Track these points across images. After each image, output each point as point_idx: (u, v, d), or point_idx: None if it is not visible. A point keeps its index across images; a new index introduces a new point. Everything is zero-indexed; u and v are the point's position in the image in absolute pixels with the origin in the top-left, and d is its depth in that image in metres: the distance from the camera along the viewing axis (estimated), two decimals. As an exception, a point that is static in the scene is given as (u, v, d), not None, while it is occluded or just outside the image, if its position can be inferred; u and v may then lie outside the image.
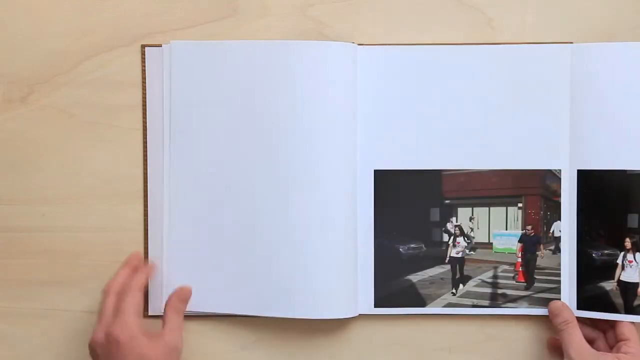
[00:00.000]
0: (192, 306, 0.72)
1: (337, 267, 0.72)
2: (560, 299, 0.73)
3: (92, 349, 0.66)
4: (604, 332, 0.72)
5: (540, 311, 0.73)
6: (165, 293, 0.72)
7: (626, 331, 0.69)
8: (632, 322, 0.70)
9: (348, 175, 0.73)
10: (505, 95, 0.73)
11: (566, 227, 0.73)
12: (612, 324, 0.71)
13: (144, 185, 0.74)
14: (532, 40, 0.73)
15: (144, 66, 0.73)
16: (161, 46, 0.73)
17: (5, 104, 0.75)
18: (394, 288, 0.74)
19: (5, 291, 0.74)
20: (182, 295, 0.71)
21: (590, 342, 0.70)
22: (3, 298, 0.74)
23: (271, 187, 0.71)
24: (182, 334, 0.69)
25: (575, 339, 0.68)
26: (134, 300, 0.67)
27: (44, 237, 0.70)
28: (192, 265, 0.73)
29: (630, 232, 0.72)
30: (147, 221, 0.73)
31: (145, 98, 0.73)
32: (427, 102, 0.74)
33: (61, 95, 0.75)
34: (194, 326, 0.74)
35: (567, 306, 0.71)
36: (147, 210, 0.73)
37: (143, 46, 0.72)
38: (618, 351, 0.68)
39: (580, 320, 0.71)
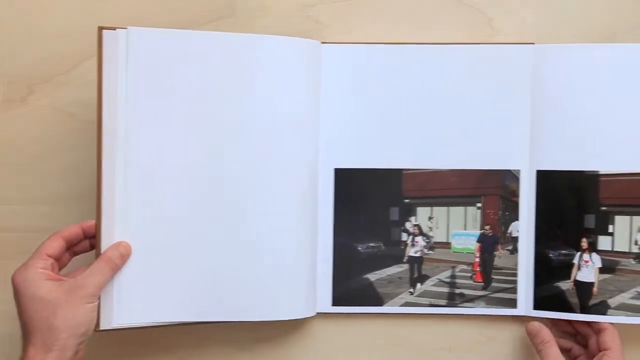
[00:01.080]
0: (147, 316, 0.68)
1: (296, 266, 0.71)
2: (516, 299, 0.73)
3: None
4: (587, 340, 0.72)
5: (497, 311, 0.73)
6: (117, 304, 0.67)
7: (608, 340, 0.68)
8: (613, 331, 0.70)
9: (308, 173, 0.72)
10: (466, 95, 0.73)
11: (524, 228, 0.74)
12: (595, 332, 0.70)
13: (97, 185, 0.67)
14: (533, 41, 0.73)
15: (101, 50, 0.67)
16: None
17: (5, 104, 0.74)
18: (352, 287, 0.74)
19: (5, 292, 0.67)
20: (121, 248, 0.66)
21: (566, 350, 0.71)
22: (3, 300, 0.69)
23: (228, 184, 0.69)
24: (101, 284, 0.64)
25: (552, 358, 0.68)
26: (45, 244, 0.64)
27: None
28: (146, 271, 0.68)
29: (587, 233, 0.73)
30: (100, 222, 0.68)
31: (102, 84, 0.67)
32: (389, 101, 0.73)
33: (61, 95, 0.74)
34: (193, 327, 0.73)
35: (544, 327, 0.71)
36: (100, 207, 0.68)
37: (100, 28, 0.67)
38: (591, 355, 0.69)
39: (559, 332, 0.73)
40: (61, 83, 0.74)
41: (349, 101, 0.73)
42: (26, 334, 0.61)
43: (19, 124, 0.75)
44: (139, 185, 0.68)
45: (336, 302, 0.74)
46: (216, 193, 0.69)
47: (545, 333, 0.70)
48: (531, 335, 0.71)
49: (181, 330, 0.73)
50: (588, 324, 0.71)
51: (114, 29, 0.67)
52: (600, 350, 0.69)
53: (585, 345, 0.72)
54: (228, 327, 0.74)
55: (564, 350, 0.71)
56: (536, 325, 0.71)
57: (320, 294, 0.74)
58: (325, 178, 0.73)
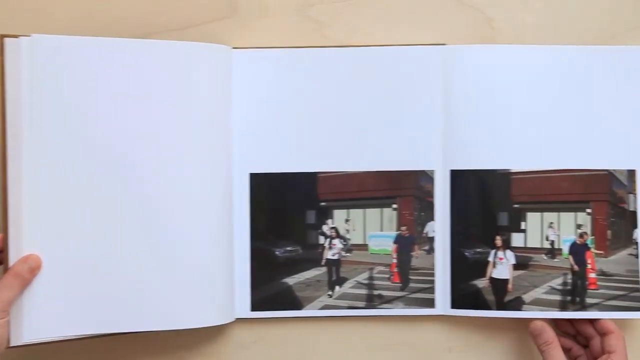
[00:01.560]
0: (59, 330, 0.67)
1: (212, 273, 0.71)
2: (434, 299, 0.74)
3: None
4: (588, 341, 0.72)
5: (416, 311, 0.74)
6: (27, 319, 0.66)
7: (613, 344, 0.68)
8: (619, 334, 0.70)
9: (222, 179, 0.72)
10: (379, 97, 0.73)
11: (440, 227, 0.74)
12: (600, 334, 0.70)
13: (3, 197, 0.66)
14: (533, 41, 0.74)
15: (3, 58, 0.66)
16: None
17: None
18: (270, 291, 0.74)
19: None
20: (30, 262, 0.65)
21: (566, 350, 0.71)
22: None
23: (138, 192, 0.69)
24: (10, 299, 0.63)
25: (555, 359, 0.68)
26: None
27: None
28: (56, 283, 0.67)
29: (501, 230, 0.74)
30: (7, 234, 0.66)
31: (5, 93, 0.66)
32: (303, 104, 0.74)
33: None
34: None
35: (547, 326, 0.70)
36: (7, 220, 0.67)
37: (1, 36, 0.65)
38: (594, 356, 0.69)
39: (559, 331, 0.73)
40: None
41: (263, 106, 0.73)
42: None
43: None
44: (47, 195, 0.67)
45: (255, 307, 0.74)
46: (127, 201, 0.68)
47: (549, 334, 0.70)
48: (533, 335, 0.71)
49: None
50: (592, 325, 0.71)
51: (17, 36, 0.66)
52: (604, 352, 0.68)
53: (585, 346, 0.72)
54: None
55: (564, 350, 0.70)
56: (539, 324, 0.70)
57: (238, 299, 0.73)
58: (241, 183, 0.73)
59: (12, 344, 0.65)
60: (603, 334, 0.70)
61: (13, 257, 0.66)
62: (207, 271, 0.71)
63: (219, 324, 0.72)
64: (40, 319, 0.66)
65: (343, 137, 0.74)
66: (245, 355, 0.75)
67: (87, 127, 0.68)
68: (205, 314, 0.71)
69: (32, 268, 0.65)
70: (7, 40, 0.66)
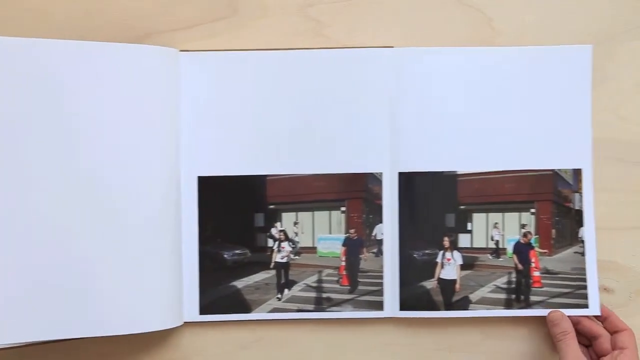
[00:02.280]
0: (6, 337, 0.66)
1: (160, 276, 0.71)
2: (383, 301, 0.74)
3: None
4: (594, 340, 0.71)
5: (364, 314, 0.74)
6: None
7: (626, 340, 0.69)
8: (631, 333, 0.70)
9: (169, 182, 0.72)
10: (327, 100, 0.74)
11: (388, 229, 0.75)
12: (611, 332, 0.71)
13: None
14: (533, 41, 0.74)
15: None
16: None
17: None
18: (219, 295, 0.74)
19: None
20: None
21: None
22: None
23: (81, 195, 0.68)
24: None
25: (571, 351, 0.68)
26: None
27: None
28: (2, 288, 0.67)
29: (448, 231, 0.74)
30: None
31: None
32: (250, 108, 0.74)
33: None
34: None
35: (565, 317, 0.71)
36: None
37: None
38: (614, 358, 0.68)
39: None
40: None
41: (211, 109, 0.74)
42: None
43: None
44: None
45: (204, 310, 0.73)
46: (68, 204, 0.68)
47: (567, 324, 0.70)
48: (551, 324, 0.71)
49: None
50: (601, 323, 0.72)
51: None
52: (615, 349, 0.69)
53: (587, 345, 0.72)
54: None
55: None
56: (558, 314, 0.71)
57: (187, 303, 0.73)
58: (189, 186, 0.73)
59: None
60: (614, 332, 0.70)
61: None
62: (154, 274, 0.70)
63: (166, 328, 0.71)
64: None
65: (291, 139, 0.74)
66: (194, 359, 0.74)
67: (31, 129, 0.67)
68: (153, 318, 0.70)
69: None
70: None
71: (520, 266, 0.74)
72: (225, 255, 0.74)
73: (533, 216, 0.74)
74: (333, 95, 0.74)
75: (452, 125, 0.74)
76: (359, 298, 0.74)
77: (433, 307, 0.74)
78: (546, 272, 0.74)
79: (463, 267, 0.74)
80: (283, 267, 0.75)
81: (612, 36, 0.75)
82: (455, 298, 0.74)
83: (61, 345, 0.71)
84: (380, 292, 0.74)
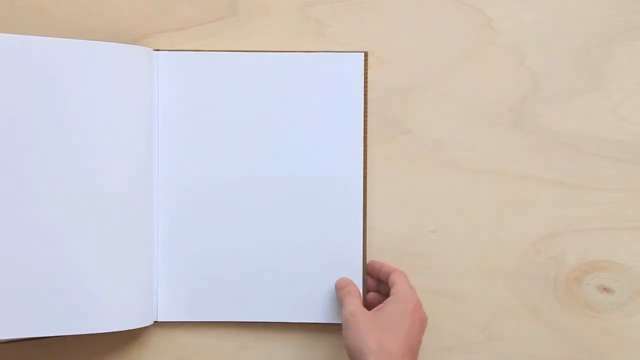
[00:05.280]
0: None
1: (129, 273, 0.70)
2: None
3: None
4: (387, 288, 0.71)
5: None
6: None
7: (393, 277, 0.69)
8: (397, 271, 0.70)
9: (142, 181, 0.71)
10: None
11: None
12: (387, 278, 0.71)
13: None
14: (532, 41, 0.74)
15: None
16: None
17: None
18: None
19: None
20: None
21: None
22: None
23: (51, 190, 0.67)
24: None
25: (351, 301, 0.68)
26: None
27: None
28: None
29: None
30: None
31: None
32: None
33: None
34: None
35: (350, 280, 0.72)
36: None
37: None
38: (388, 296, 0.69)
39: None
40: None
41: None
42: None
43: None
44: None
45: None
46: (40, 196, 0.67)
47: (352, 286, 0.71)
48: (337, 289, 0.71)
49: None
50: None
51: None
52: (390, 287, 0.69)
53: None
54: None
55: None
56: (342, 280, 0.72)
57: (158, 301, 0.73)
58: (162, 184, 0.73)
59: None
60: (387, 277, 0.71)
61: None
62: (123, 271, 0.70)
63: (137, 327, 0.71)
64: None
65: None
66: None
67: (9, 129, 0.67)
68: (122, 317, 0.70)
69: None
70: None
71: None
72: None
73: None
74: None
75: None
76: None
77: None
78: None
79: (463, 267, 0.74)
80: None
81: (612, 36, 0.75)
82: (456, 298, 0.74)
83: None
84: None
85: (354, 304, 0.68)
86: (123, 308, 0.70)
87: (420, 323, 0.66)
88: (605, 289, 0.74)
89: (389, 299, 0.68)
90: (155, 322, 0.73)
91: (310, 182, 0.73)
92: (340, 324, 0.68)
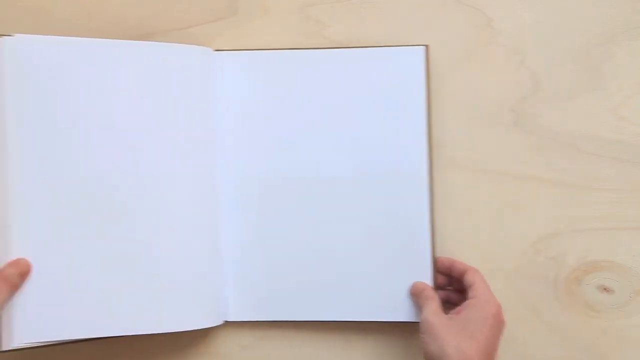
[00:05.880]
0: (50, 335, 0.66)
1: (200, 274, 0.70)
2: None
3: None
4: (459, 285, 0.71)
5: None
6: (18, 322, 0.66)
7: (469, 277, 0.69)
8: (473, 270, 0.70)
9: (208, 179, 0.71)
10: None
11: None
12: (461, 276, 0.70)
13: None
14: (532, 41, 0.74)
15: None
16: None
17: None
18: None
19: None
20: (21, 266, 0.65)
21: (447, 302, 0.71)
22: None
23: (123, 194, 0.68)
24: (0, 302, 0.63)
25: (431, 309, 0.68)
26: None
27: None
28: (45, 288, 0.66)
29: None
30: None
31: None
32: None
33: None
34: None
35: (426, 284, 0.71)
36: None
37: None
38: (467, 299, 0.68)
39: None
40: None
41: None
42: None
43: None
44: (35, 198, 0.66)
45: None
46: (112, 204, 0.68)
47: (430, 291, 0.70)
48: (415, 295, 0.71)
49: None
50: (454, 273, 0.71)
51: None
52: (467, 287, 0.69)
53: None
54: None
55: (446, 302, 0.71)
56: (419, 284, 0.71)
57: (228, 301, 0.73)
58: (231, 184, 0.73)
59: (4, 348, 0.65)
60: (461, 276, 0.70)
61: (1, 261, 0.65)
62: (195, 272, 0.70)
63: (206, 327, 0.71)
64: (31, 323, 0.66)
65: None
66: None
67: (72, 129, 0.67)
68: (193, 317, 0.70)
69: (22, 273, 0.65)
70: None
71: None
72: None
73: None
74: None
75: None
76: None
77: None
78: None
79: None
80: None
81: (612, 36, 0.75)
82: (456, 298, 0.74)
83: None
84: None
85: (432, 309, 0.67)
86: (194, 307, 0.70)
87: (500, 328, 0.66)
88: (605, 289, 0.74)
89: (468, 302, 0.67)
90: (225, 321, 0.73)
91: (376, 179, 0.72)
92: (411, 322, 0.69)
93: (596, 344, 0.74)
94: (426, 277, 0.72)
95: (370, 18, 0.75)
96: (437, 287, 0.72)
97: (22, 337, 0.66)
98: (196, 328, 0.70)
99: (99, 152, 0.68)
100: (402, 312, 0.72)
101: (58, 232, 0.67)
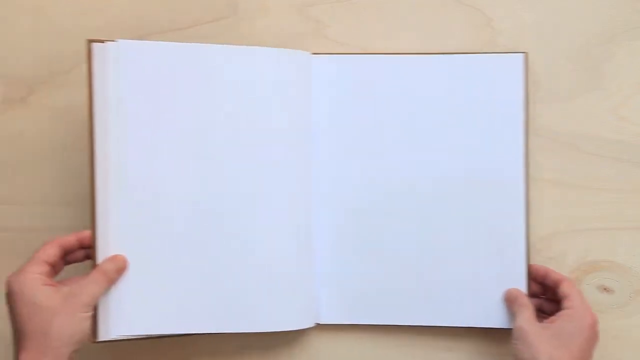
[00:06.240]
0: (145, 328, 0.68)
1: (293, 276, 0.71)
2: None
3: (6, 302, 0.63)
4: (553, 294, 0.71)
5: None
6: (115, 315, 0.67)
7: (565, 288, 0.68)
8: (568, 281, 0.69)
9: (302, 184, 0.72)
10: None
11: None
12: (556, 286, 0.70)
13: (91, 191, 0.67)
14: (532, 41, 0.74)
15: (91, 64, 0.67)
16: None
17: (5, 104, 0.75)
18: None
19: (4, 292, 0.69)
20: (118, 262, 0.67)
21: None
22: (2, 300, 0.68)
23: (221, 195, 0.69)
24: (97, 294, 0.64)
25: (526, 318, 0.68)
26: (42, 250, 0.64)
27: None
28: (143, 283, 0.68)
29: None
30: (96, 233, 0.67)
31: (92, 98, 0.67)
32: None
33: (61, 95, 0.75)
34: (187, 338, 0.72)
35: (520, 291, 0.71)
36: (95, 219, 0.67)
37: (89, 41, 0.67)
38: (562, 309, 0.68)
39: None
40: (61, 83, 0.75)
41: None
42: (19, 338, 0.61)
43: (18, 124, 0.75)
44: (133, 198, 0.68)
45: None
46: (210, 204, 0.69)
47: (524, 298, 0.70)
48: (509, 302, 0.71)
49: (173, 342, 0.73)
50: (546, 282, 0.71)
51: (103, 41, 0.67)
52: (561, 298, 0.68)
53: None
54: (223, 338, 0.73)
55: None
56: (514, 291, 0.71)
57: (320, 304, 0.73)
58: (323, 187, 0.73)
59: (100, 339, 0.67)
60: (556, 285, 0.70)
61: (101, 255, 0.67)
62: (288, 274, 0.71)
63: (298, 328, 0.72)
64: (128, 316, 0.68)
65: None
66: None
67: (173, 132, 0.69)
68: (285, 317, 0.71)
69: (119, 268, 0.67)
70: (94, 45, 0.67)
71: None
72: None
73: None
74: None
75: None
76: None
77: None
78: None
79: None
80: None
81: (612, 36, 0.75)
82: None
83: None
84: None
85: (526, 316, 0.67)
86: (287, 309, 0.71)
87: (595, 339, 0.66)
88: (605, 289, 0.74)
89: (563, 312, 0.67)
90: (316, 324, 0.73)
91: (471, 185, 0.72)
92: (503, 328, 0.70)
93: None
94: (520, 284, 0.71)
95: (370, 18, 0.75)
96: (531, 295, 0.71)
97: (118, 329, 0.67)
98: (289, 329, 0.71)
99: (198, 153, 0.69)
100: (495, 319, 0.72)
101: (157, 231, 0.68)
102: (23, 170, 0.75)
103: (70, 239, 0.66)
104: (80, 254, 0.68)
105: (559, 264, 0.74)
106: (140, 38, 0.75)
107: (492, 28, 0.75)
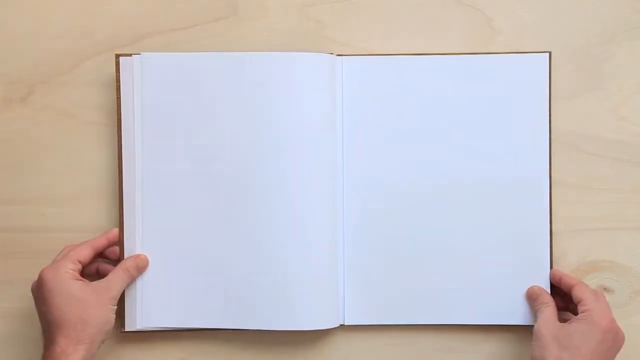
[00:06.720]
0: (170, 321, 0.72)
1: (318, 276, 0.72)
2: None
3: (32, 293, 0.68)
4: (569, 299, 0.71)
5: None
6: (140, 308, 0.72)
7: (577, 292, 0.69)
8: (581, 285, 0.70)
9: (329, 185, 0.72)
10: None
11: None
12: (569, 290, 0.70)
13: (119, 193, 0.72)
14: (532, 41, 0.74)
15: (119, 75, 0.71)
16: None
17: (5, 104, 0.75)
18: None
19: (6, 291, 0.73)
20: (139, 261, 0.71)
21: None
22: (4, 298, 0.71)
23: (247, 194, 0.71)
24: (121, 289, 0.69)
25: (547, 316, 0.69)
26: (76, 250, 0.68)
27: (43, 237, 0.69)
28: (170, 278, 0.72)
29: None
30: (123, 232, 0.72)
31: (120, 107, 0.72)
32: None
33: (61, 95, 0.75)
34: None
35: (543, 289, 0.72)
36: (122, 219, 0.72)
37: (117, 55, 0.71)
38: (577, 313, 0.68)
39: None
40: (61, 83, 0.75)
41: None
42: (55, 327, 0.65)
43: (19, 124, 0.75)
44: (160, 199, 0.71)
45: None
46: (236, 203, 0.71)
47: (546, 296, 0.71)
48: (531, 299, 0.71)
49: (195, 338, 0.74)
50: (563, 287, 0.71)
51: (130, 55, 0.71)
52: (576, 303, 0.69)
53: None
54: (247, 335, 0.74)
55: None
56: (536, 289, 0.71)
57: (344, 304, 0.73)
58: (347, 189, 0.73)
59: (127, 329, 0.72)
60: (569, 290, 0.70)
61: (127, 253, 0.72)
62: (313, 273, 0.71)
63: (323, 328, 0.72)
64: (154, 309, 0.72)
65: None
66: None
67: (196, 136, 0.71)
68: (310, 317, 0.72)
69: (140, 267, 0.71)
70: (121, 58, 0.71)
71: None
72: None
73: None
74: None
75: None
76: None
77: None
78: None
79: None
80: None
81: (612, 36, 0.75)
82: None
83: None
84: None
85: (547, 315, 0.68)
86: (314, 309, 0.71)
87: (613, 341, 0.67)
88: (605, 289, 0.74)
89: (578, 316, 0.67)
90: (341, 325, 0.73)
91: (497, 185, 0.72)
92: (528, 325, 0.71)
93: (596, 344, 0.74)
94: (544, 283, 0.72)
95: (370, 18, 0.75)
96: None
97: (144, 321, 0.72)
98: (315, 329, 0.72)
99: (221, 157, 0.71)
100: (519, 316, 0.72)
101: (183, 229, 0.71)
102: (23, 170, 0.75)
103: (101, 240, 0.71)
104: (115, 250, 0.72)
105: (559, 264, 0.74)
106: (140, 38, 0.75)
107: (492, 28, 0.75)
